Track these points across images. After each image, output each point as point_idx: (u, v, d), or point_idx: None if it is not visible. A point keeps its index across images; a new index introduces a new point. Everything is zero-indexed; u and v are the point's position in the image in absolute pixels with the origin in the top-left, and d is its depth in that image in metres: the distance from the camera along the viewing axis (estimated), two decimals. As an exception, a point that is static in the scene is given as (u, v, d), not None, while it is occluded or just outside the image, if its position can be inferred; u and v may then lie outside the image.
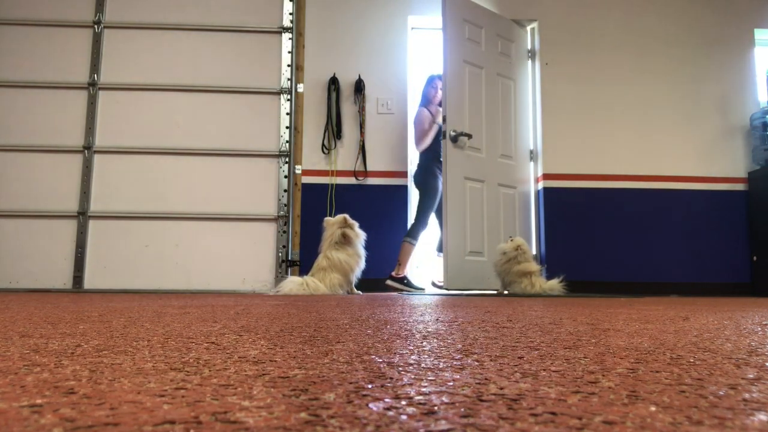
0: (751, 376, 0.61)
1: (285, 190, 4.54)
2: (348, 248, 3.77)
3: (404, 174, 4.67)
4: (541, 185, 4.76)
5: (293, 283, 3.59)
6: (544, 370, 0.63)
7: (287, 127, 4.60)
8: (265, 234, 4.50)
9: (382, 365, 0.65)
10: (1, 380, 0.53)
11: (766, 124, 4.59)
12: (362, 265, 3.84)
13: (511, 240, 3.96)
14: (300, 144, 4.62)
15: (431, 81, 4.50)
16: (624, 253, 4.64)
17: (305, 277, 3.69)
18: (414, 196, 4.90)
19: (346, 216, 3.85)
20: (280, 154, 4.58)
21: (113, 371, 0.59)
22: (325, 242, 3.81)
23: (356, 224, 3.87)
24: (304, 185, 4.59)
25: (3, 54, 4.58)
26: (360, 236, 3.86)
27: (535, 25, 4.93)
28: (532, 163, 4.88)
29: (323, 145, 4.63)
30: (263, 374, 0.58)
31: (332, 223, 3.85)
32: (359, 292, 3.91)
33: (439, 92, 4.43)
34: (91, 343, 0.84)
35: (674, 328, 1.20)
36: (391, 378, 0.57)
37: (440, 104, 4.40)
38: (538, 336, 1.00)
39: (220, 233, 4.49)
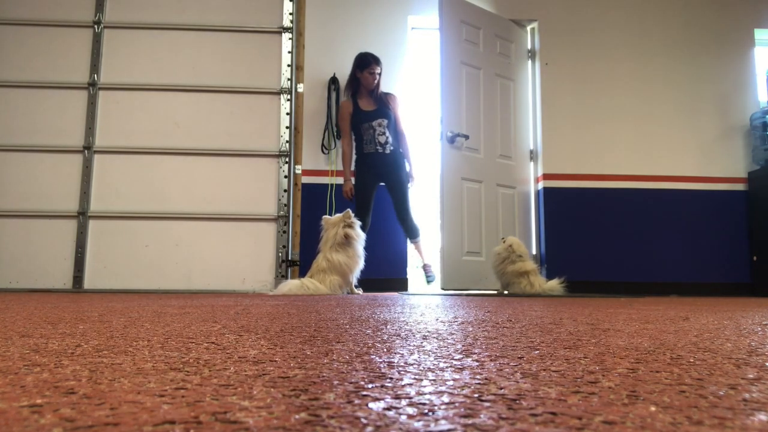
0: (751, 376, 0.61)
1: (285, 190, 4.54)
2: (348, 250, 3.73)
3: (404, 174, 4.66)
4: (541, 185, 4.76)
5: (292, 285, 3.57)
6: (544, 370, 0.63)
7: (287, 127, 4.60)
8: (265, 234, 4.50)
9: (382, 365, 0.65)
10: (1, 380, 0.53)
11: (766, 124, 4.59)
12: (361, 265, 3.82)
13: (504, 240, 3.95)
14: (300, 144, 4.61)
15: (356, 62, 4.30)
16: (624, 253, 4.64)
17: (303, 279, 3.67)
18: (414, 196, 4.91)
19: (350, 211, 3.80)
20: (280, 154, 4.58)
21: (113, 371, 0.59)
22: (327, 243, 3.75)
23: (358, 223, 3.83)
24: (304, 185, 4.59)
25: (3, 54, 4.58)
26: (360, 237, 3.83)
27: (535, 25, 4.93)
28: (531, 163, 4.88)
29: (323, 145, 4.63)
30: (263, 374, 0.58)
31: (332, 222, 3.81)
32: (359, 291, 3.90)
33: (364, 73, 4.24)
34: (91, 343, 0.84)
35: (674, 328, 1.20)
36: (391, 378, 0.57)
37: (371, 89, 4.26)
38: (538, 336, 1.00)
39: (220, 233, 4.49)
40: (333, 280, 3.63)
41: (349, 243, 3.72)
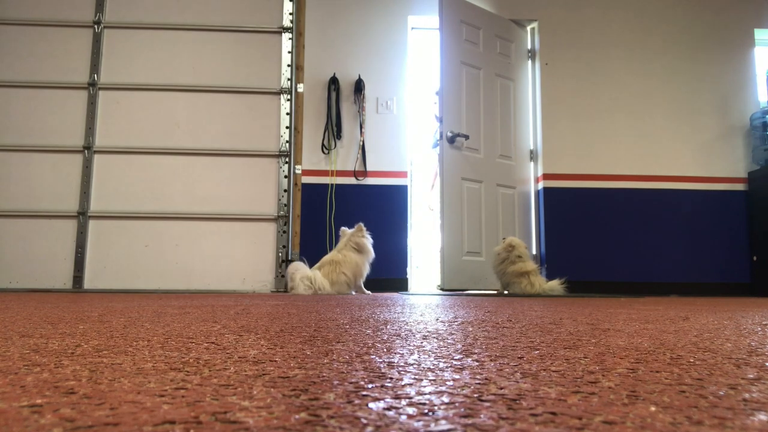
0: (751, 376, 0.61)
1: (285, 190, 4.54)
2: (360, 254, 3.96)
3: (404, 174, 4.67)
4: (541, 185, 4.76)
5: (302, 281, 3.71)
6: (544, 370, 0.63)
7: (287, 127, 4.60)
8: (265, 234, 4.50)
9: (382, 365, 0.65)
10: (1, 380, 0.53)
11: (766, 124, 4.59)
12: (366, 272, 4.01)
13: (504, 240, 3.96)
14: (300, 144, 4.61)
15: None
16: (624, 253, 4.64)
17: (313, 269, 3.83)
18: (414, 196, 4.91)
19: (362, 225, 4.03)
20: (280, 154, 4.57)
21: (113, 371, 0.59)
22: (342, 242, 4.01)
23: (370, 241, 4.04)
24: (304, 185, 4.59)
25: (3, 54, 4.58)
26: (370, 252, 4.04)
27: (535, 25, 4.93)
28: (531, 163, 4.87)
29: (323, 145, 4.63)
30: (263, 374, 0.58)
31: (349, 233, 4.05)
32: (368, 291, 4.03)
33: None
34: (91, 343, 0.84)
35: (674, 328, 1.20)
36: (391, 378, 0.57)
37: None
38: (538, 336, 1.00)
39: (220, 233, 4.49)
40: (341, 275, 3.82)
41: (360, 250, 3.96)
